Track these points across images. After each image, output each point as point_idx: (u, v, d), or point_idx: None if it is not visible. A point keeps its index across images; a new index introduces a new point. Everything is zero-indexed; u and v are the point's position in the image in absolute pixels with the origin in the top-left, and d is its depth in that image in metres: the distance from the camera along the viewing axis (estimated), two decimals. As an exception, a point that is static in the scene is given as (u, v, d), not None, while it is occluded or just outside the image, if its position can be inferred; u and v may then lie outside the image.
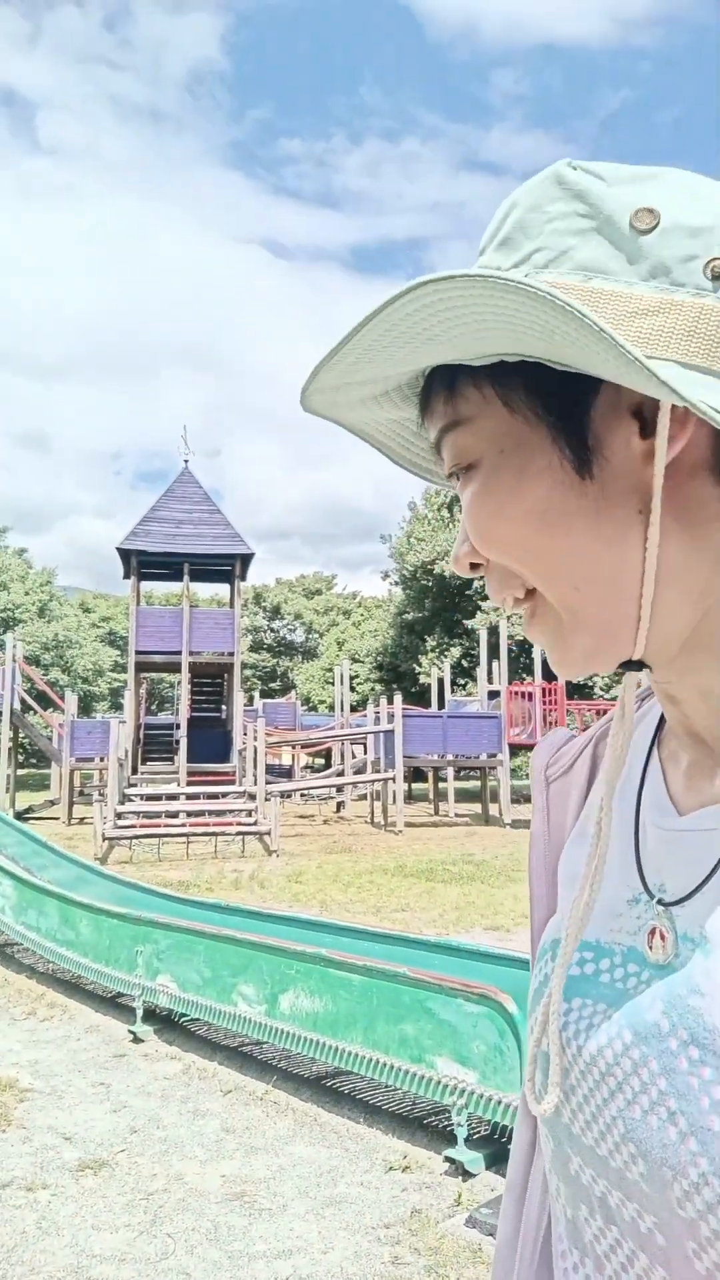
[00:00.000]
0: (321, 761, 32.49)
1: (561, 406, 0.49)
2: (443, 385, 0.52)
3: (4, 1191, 3.76)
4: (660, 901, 0.53)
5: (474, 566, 0.54)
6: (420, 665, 31.10)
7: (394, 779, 18.95)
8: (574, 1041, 0.54)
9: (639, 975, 0.52)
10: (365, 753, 22.76)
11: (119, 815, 15.88)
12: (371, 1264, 3.25)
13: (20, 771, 27.34)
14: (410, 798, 24.28)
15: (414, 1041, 4.26)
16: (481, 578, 0.56)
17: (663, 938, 0.51)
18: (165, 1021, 5.91)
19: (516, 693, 20.40)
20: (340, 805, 23.19)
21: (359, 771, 22.75)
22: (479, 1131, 4.16)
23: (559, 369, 0.48)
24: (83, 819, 19.93)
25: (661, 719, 0.61)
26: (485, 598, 29.31)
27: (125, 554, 22.15)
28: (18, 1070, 5.16)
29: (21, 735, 23.88)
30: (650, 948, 0.52)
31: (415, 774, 26.78)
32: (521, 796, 23.95)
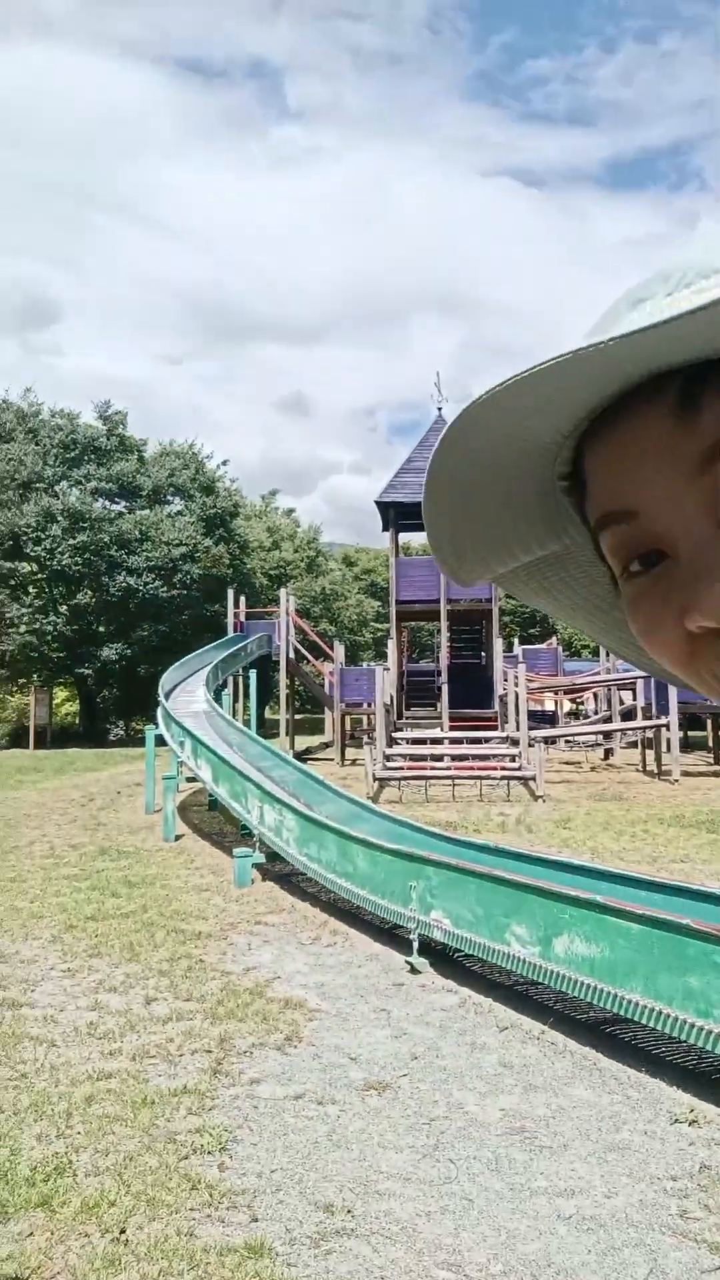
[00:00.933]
0: (586, 708, 31.63)
1: None
2: None
3: (297, 1103, 4.04)
4: None
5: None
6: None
7: (668, 725, 18.05)
8: None
9: None
10: (634, 698, 21.83)
11: (387, 757, 16.44)
12: (658, 1214, 3.14)
13: (297, 716, 29.15)
14: (686, 746, 23.07)
15: (700, 995, 4.03)
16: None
17: None
18: (440, 955, 6.06)
19: None
20: (609, 752, 22.52)
21: (628, 717, 21.91)
22: (776, 1095, 3.89)
23: None
24: (354, 760, 20.89)
25: None
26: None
27: (383, 507, 22.61)
28: (306, 991, 5.52)
29: (297, 683, 25.39)
30: None
31: (691, 721, 25.34)
32: None
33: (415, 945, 5.96)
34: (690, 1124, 3.83)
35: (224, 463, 37.69)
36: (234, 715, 18.63)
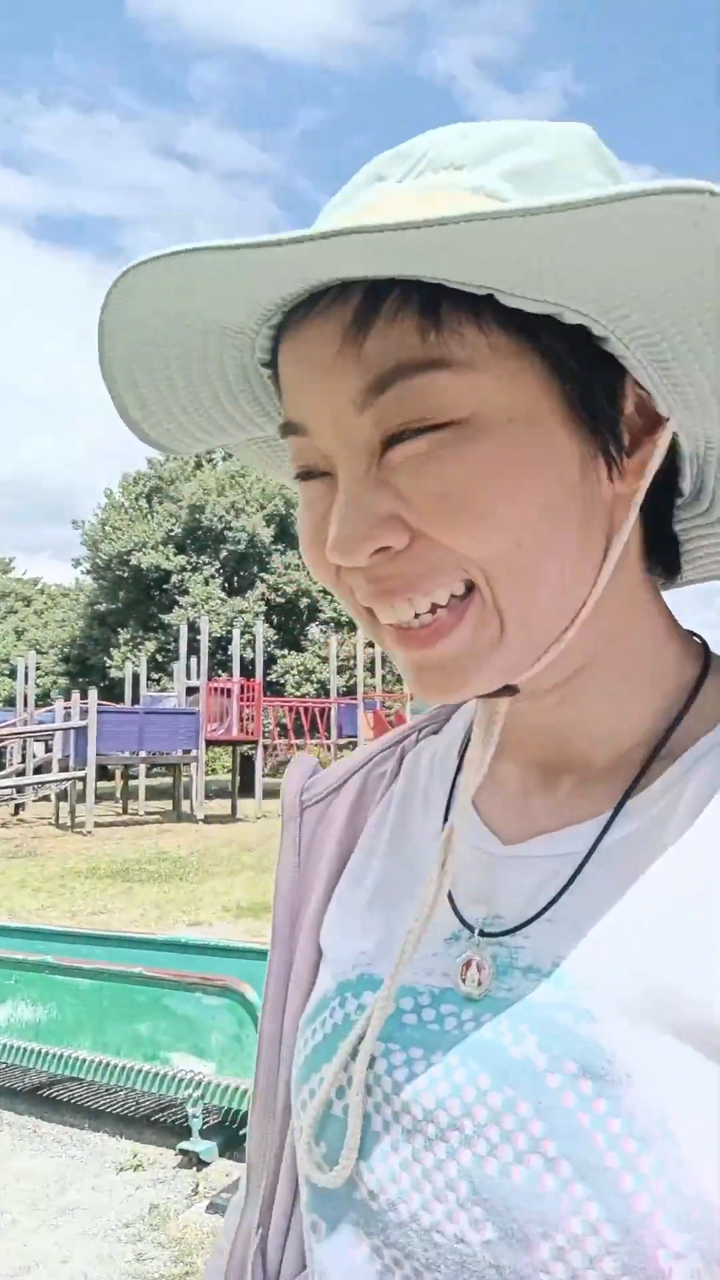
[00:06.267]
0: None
1: (597, 386, 0.43)
2: (412, 307, 0.40)
3: None
4: (482, 933, 0.48)
5: (379, 551, 0.43)
6: (112, 659, 30.16)
7: (85, 777, 18.28)
8: (394, 1098, 0.46)
9: (458, 1015, 0.46)
10: (47, 750, 21.64)
11: None
12: (116, 1265, 3.23)
13: None
14: (97, 797, 23.50)
15: (148, 1040, 4.24)
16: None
17: (480, 969, 0.47)
18: None
19: (215, 689, 20.56)
20: (19, 807, 21.85)
21: (41, 770, 21.60)
22: (210, 1120, 4.25)
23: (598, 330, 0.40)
24: None
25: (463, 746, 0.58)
26: (184, 592, 29.08)
27: None
28: None
29: None
30: (465, 980, 0.47)
31: (101, 772, 25.92)
32: (212, 792, 24.10)
33: None
34: (135, 1169, 3.98)
35: None
36: None
